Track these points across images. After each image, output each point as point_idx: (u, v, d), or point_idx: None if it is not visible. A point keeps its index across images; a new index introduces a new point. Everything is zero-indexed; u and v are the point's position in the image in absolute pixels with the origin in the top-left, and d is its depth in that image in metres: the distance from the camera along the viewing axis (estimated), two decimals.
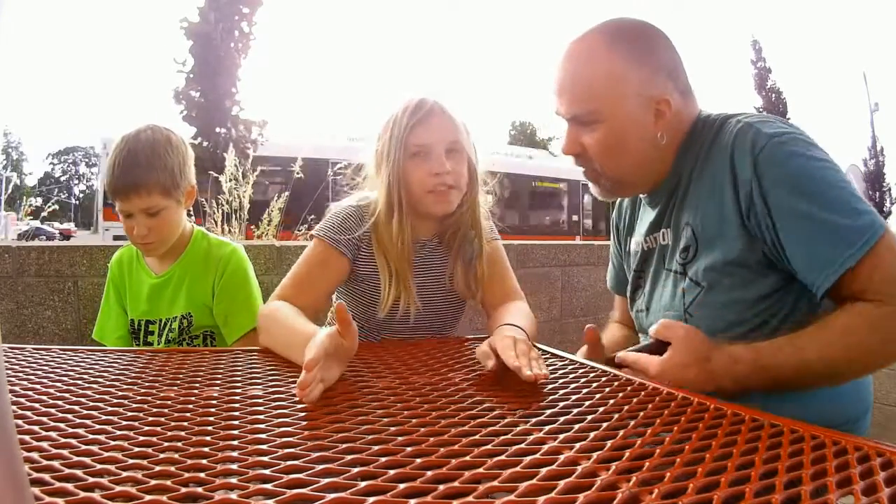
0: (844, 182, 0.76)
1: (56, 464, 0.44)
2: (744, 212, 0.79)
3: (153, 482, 0.41)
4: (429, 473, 0.43)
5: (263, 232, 3.06)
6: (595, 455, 0.48)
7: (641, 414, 0.60)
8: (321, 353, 0.64)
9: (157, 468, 0.44)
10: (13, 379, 0.71)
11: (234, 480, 0.42)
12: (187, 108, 7.88)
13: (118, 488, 0.40)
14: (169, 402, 0.62)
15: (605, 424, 0.56)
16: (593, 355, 0.93)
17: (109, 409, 0.59)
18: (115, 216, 1.22)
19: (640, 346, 0.83)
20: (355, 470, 0.44)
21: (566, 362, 0.85)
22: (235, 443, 0.50)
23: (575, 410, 0.61)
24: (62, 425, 0.53)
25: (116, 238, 5.92)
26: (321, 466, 0.45)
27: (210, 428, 0.54)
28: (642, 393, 0.69)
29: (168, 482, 0.41)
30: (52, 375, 0.73)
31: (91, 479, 0.41)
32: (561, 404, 0.63)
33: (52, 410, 0.58)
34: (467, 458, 0.47)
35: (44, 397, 0.63)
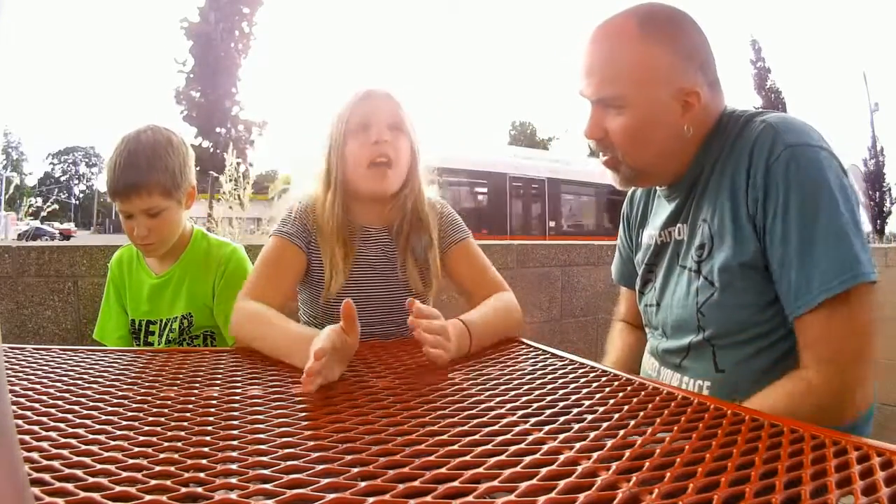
0: (848, 210, 0.74)
1: (56, 464, 0.44)
2: (752, 215, 0.79)
3: (153, 482, 0.41)
4: (428, 474, 0.43)
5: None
6: (595, 455, 0.48)
7: (641, 414, 0.60)
8: (329, 345, 0.68)
9: (157, 468, 0.44)
10: (13, 379, 0.71)
11: (234, 480, 0.42)
12: (187, 108, 7.90)
13: (118, 488, 0.40)
14: (169, 402, 0.62)
15: (605, 424, 0.56)
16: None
17: (109, 409, 0.59)
18: None
19: None
20: (355, 470, 0.44)
21: (566, 362, 0.85)
22: (235, 443, 0.50)
23: (575, 410, 0.61)
24: (62, 425, 0.54)
25: None
26: (321, 466, 0.45)
27: (210, 428, 0.54)
28: (642, 393, 0.69)
29: (168, 482, 0.41)
30: (52, 375, 0.73)
31: (91, 479, 0.41)
32: (561, 404, 0.63)
33: (52, 410, 0.58)
34: (467, 458, 0.47)
35: (44, 397, 0.63)
